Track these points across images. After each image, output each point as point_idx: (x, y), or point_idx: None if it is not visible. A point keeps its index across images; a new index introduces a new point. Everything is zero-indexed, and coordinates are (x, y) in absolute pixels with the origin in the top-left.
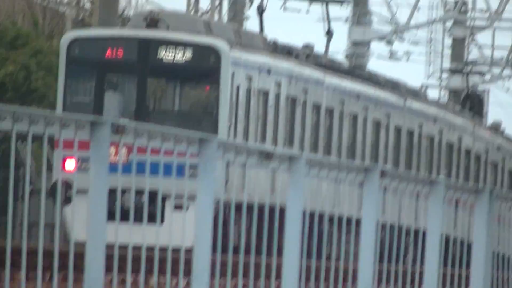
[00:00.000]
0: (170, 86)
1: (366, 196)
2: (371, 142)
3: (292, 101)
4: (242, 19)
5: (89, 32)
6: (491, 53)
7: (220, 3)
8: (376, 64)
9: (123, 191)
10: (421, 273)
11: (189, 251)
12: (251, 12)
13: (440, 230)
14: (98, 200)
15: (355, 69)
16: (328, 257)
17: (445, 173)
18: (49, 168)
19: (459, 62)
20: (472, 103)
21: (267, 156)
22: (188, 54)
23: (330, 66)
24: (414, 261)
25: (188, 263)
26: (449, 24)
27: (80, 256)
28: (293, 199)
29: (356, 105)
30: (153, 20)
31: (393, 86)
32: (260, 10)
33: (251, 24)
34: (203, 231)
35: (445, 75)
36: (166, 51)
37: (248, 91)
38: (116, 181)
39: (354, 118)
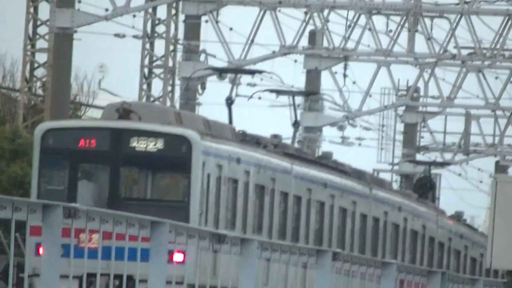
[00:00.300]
0: (142, 175)
1: (319, 278)
2: (338, 228)
3: (261, 189)
4: (194, 105)
5: (63, 123)
6: (443, 139)
7: (172, 90)
8: (328, 149)
9: (92, 276)
10: None
11: None
12: (202, 99)
13: None
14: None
15: (322, 158)
16: None
17: (409, 259)
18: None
19: (411, 148)
20: (424, 187)
21: (219, 238)
22: (160, 144)
23: (298, 156)
24: None
25: None
26: (401, 110)
27: None
28: (245, 280)
29: (323, 193)
30: (125, 110)
31: (359, 175)
32: (229, 102)
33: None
34: None
35: (396, 160)
36: (138, 141)
37: (218, 179)
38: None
39: (321, 205)
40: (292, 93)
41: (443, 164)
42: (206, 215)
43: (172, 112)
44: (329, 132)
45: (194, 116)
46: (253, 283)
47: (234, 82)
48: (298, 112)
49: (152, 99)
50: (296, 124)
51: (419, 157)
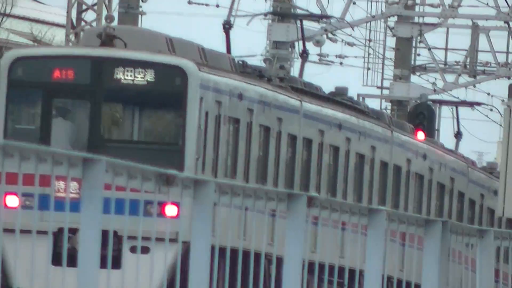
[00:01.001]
0: (128, 112)
1: (290, 228)
2: (354, 177)
3: (266, 130)
4: (136, 14)
5: (34, 50)
6: (445, 57)
7: None
8: (306, 68)
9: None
10: None
11: None
12: (147, 7)
13: (381, 270)
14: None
15: (335, 95)
16: None
17: (436, 214)
18: None
19: (404, 68)
20: (421, 116)
21: (167, 179)
22: (150, 76)
23: (308, 91)
24: None
25: None
26: (392, 20)
27: None
28: (199, 229)
29: (337, 135)
30: (108, 36)
31: (378, 115)
32: (227, 27)
33: (148, 21)
34: None
35: (386, 83)
36: (124, 72)
37: (218, 118)
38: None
39: (335, 150)
40: (300, 17)
41: (473, 105)
42: (203, 160)
43: (163, 38)
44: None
45: (188, 44)
46: (207, 232)
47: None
48: (270, 29)
49: (84, 6)
50: (304, 55)
51: (415, 79)
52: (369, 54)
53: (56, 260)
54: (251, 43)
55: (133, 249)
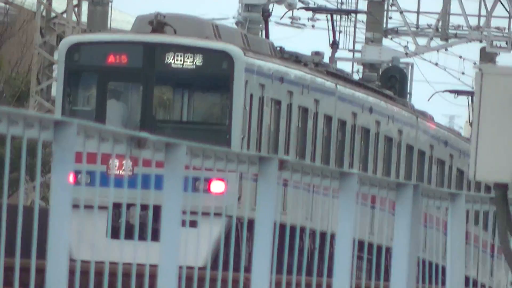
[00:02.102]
0: (178, 95)
1: (261, 190)
2: (383, 156)
3: (304, 111)
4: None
5: (91, 36)
6: (416, 20)
7: None
8: (276, 31)
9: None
10: (328, 287)
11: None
12: None
13: (352, 233)
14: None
15: (365, 80)
16: None
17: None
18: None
19: (376, 31)
20: (393, 79)
21: (139, 142)
22: (199, 60)
23: (341, 76)
24: (320, 271)
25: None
26: None
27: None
28: (169, 190)
29: (368, 118)
30: (159, 23)
31: (403, 102)
32: (266, 14)
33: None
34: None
35: (358, 46)
36: (174, 57)
37: (261, 100)
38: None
39: (367, 132)
40: (330, 11)
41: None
42: (248, 139)
43: (209, 25)
44: (275, 11)
45: (232, 30)
46: (179, 195)
47: None
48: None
49: None
50: (334, 45)
51: (387, 42)
52: (341, 17)
53: (114, 233)
54: (224, 5)
55: (182, 223)
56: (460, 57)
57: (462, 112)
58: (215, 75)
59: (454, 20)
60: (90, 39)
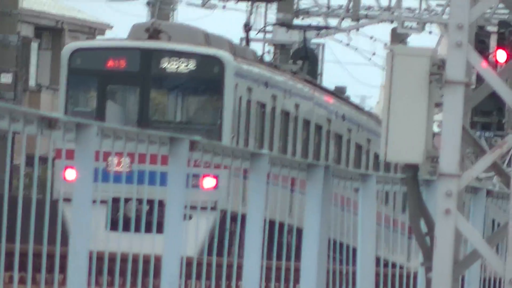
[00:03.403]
0: (173, 97)
1: (172, 171)
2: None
3: (286, 115)
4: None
5: (91, 42)
6: (327, 1)
7: None
8: (187, 13)
9: (126, 200)
10: (239, 267)
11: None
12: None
13: (263, 213)
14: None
15: (337, 91)
16: None
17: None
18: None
19: (287, 12)
20: (304, 60)
21: (49, 123)
22: (192, 65)
23: (317, 85)
24: (230, 252)
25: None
26: None
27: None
28: (83, 168)
29: (341, 125)
30: (155, 30)
31: (369, 113)
32: (247, 28)
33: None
34: None
35: (270, 28)
36: (169, 62)
37: (248, 103)
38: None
39: (339, 138)
40: (304, 28)
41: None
42: (237, 138)
43: (200, 32)
44: None
45: (221, 38)
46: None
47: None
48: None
49: None
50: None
51: (298, 23)
52: None
53: (113, 225)
54: None
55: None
56: (371, 37)
57: (374, 93)
58: (207, 78)
59: (365, 1)
60: (91, 45)
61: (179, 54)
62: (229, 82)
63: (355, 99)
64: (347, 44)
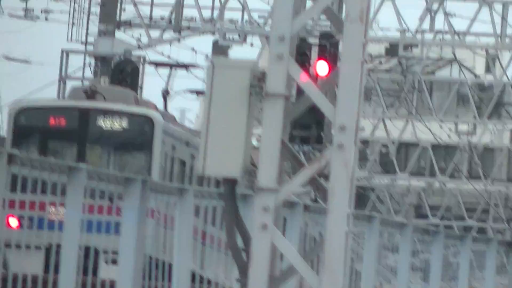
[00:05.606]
0: (108, 152)
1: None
2: None
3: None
4: None
5: (35, 102)
6: (150, 12)
7: None
8: (10, 23)
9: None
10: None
11: None
12: None
13: (78, 227)
14: None
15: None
16: None
17: None
18: None
19: (109, 23)
20: (125, 73)
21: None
22: (125, 123)
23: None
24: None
25: None
26: None
27: None
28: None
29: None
30: (92, 91)
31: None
32: (165, 94)
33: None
34: None
35: (91, 39)
36: (105, 120)
37: (172, 160)
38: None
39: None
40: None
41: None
42: None
43: (130, 94)
44: (9, 3)
45: (146, 100)
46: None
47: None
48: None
49: None
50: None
51: (120, 34)
52: (74, 9)
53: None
54: None
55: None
56: (193, 49)
57: (194, 106)
58: (139, 135)
59: (188, 13)
60: (35, 104)
61: (113, 113)
62: (158, 139)
63: (175, 113)
64: (168, 56)
